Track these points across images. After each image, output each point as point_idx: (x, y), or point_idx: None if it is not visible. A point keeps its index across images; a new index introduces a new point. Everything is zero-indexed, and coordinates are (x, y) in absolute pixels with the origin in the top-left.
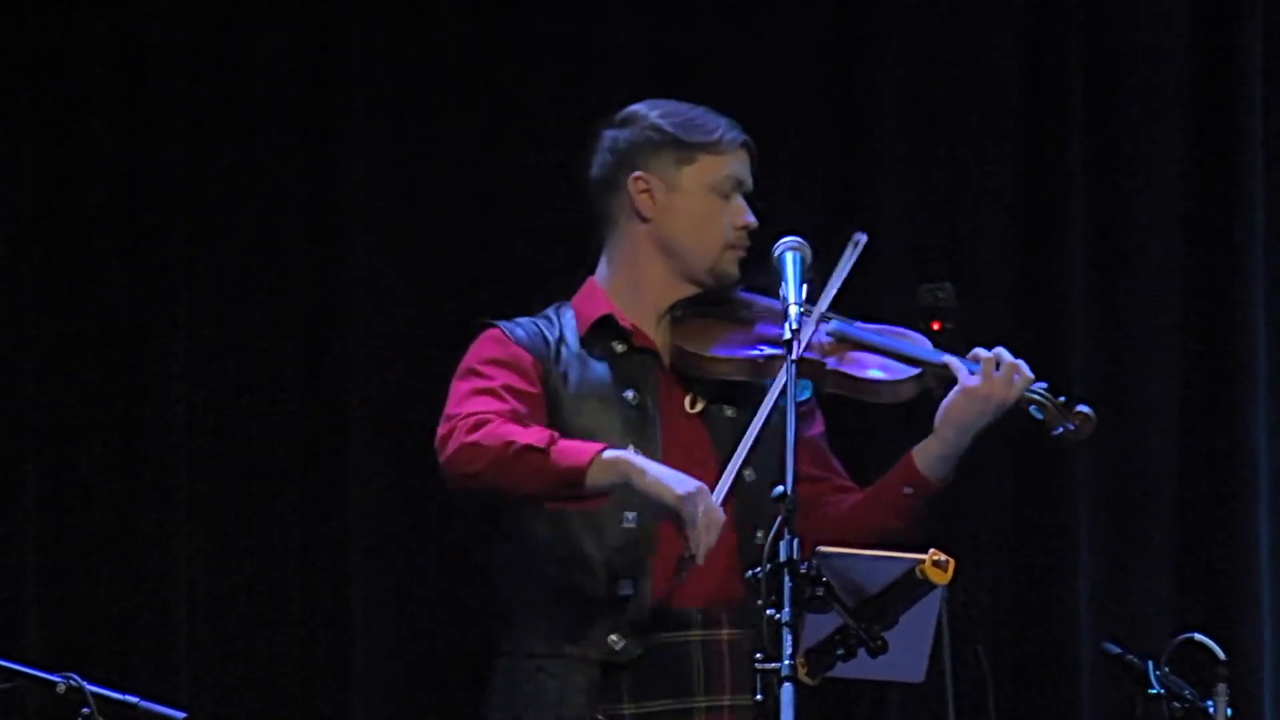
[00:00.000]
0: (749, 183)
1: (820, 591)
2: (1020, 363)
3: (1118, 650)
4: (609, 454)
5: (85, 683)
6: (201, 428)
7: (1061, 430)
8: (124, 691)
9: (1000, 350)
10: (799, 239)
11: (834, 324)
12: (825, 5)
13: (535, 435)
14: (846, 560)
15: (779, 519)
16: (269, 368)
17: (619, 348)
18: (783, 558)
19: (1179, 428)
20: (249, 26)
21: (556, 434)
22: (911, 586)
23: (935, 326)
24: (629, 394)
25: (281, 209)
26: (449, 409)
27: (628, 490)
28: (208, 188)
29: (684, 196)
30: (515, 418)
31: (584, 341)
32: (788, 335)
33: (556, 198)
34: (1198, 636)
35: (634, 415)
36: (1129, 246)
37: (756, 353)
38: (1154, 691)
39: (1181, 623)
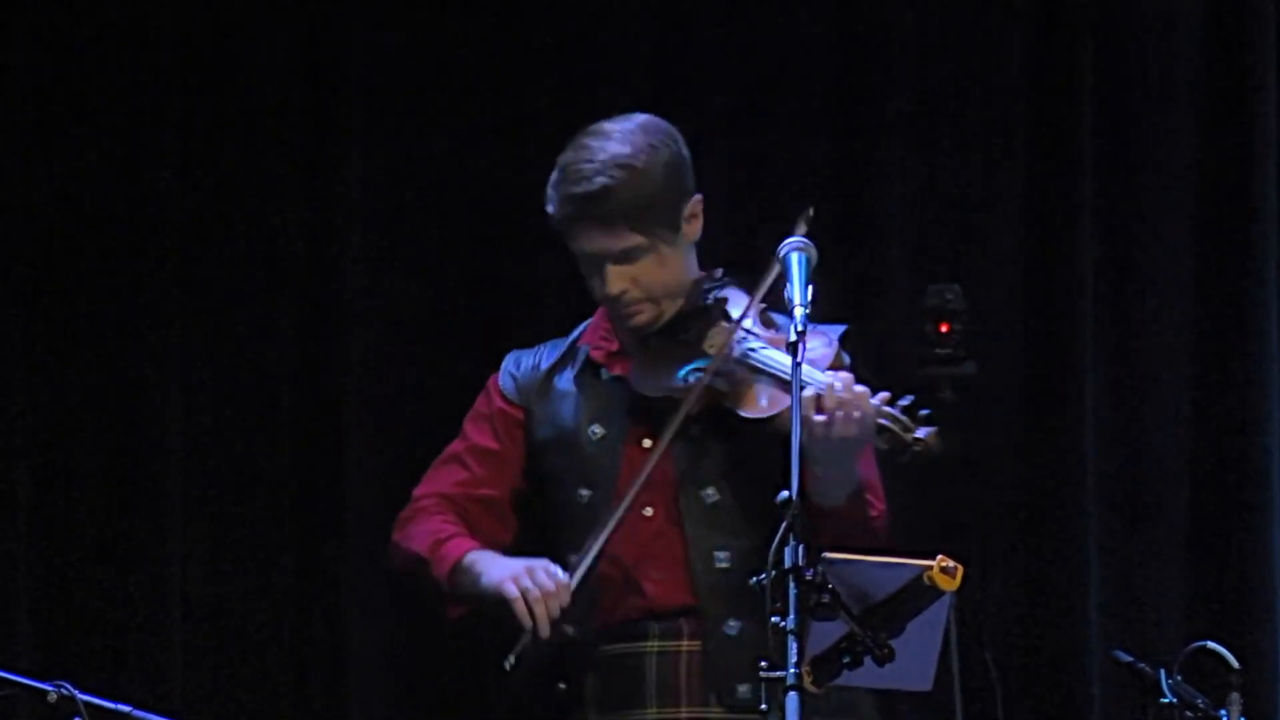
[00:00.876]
0: (601, 254)
1: (826, 598)
2: (857, 397)
3: (1129, 658)
4: (470, 557)
5: (77, 691)
6: (196, 432)
7: (910, 457)
8: (116, 700)
9: (836, 383)
10: (804, 239)
11: (743, 346)
12: (829, 3)
13: (425, 542)
14: (853, 566)
15: (784, 524)
16: (265, 371)
17: (603, 375)
18: (788, 564)
19: (1191, 432)
20: (244, 25)
21: (449, 534)
22: (919, 593)
23: (943, 329)
24: (594, 429)
25: (278, 210)
26: (425, 477)
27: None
28: (203, 188)
29: None
30: (459, 499)
31: (580, 369)
32: (793, 338)
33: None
34: (1211, 644)
35: (594, 452)
36: (1139, 248)
37: (676, 384)
38: (1166, 701)
39: (1194, 630)
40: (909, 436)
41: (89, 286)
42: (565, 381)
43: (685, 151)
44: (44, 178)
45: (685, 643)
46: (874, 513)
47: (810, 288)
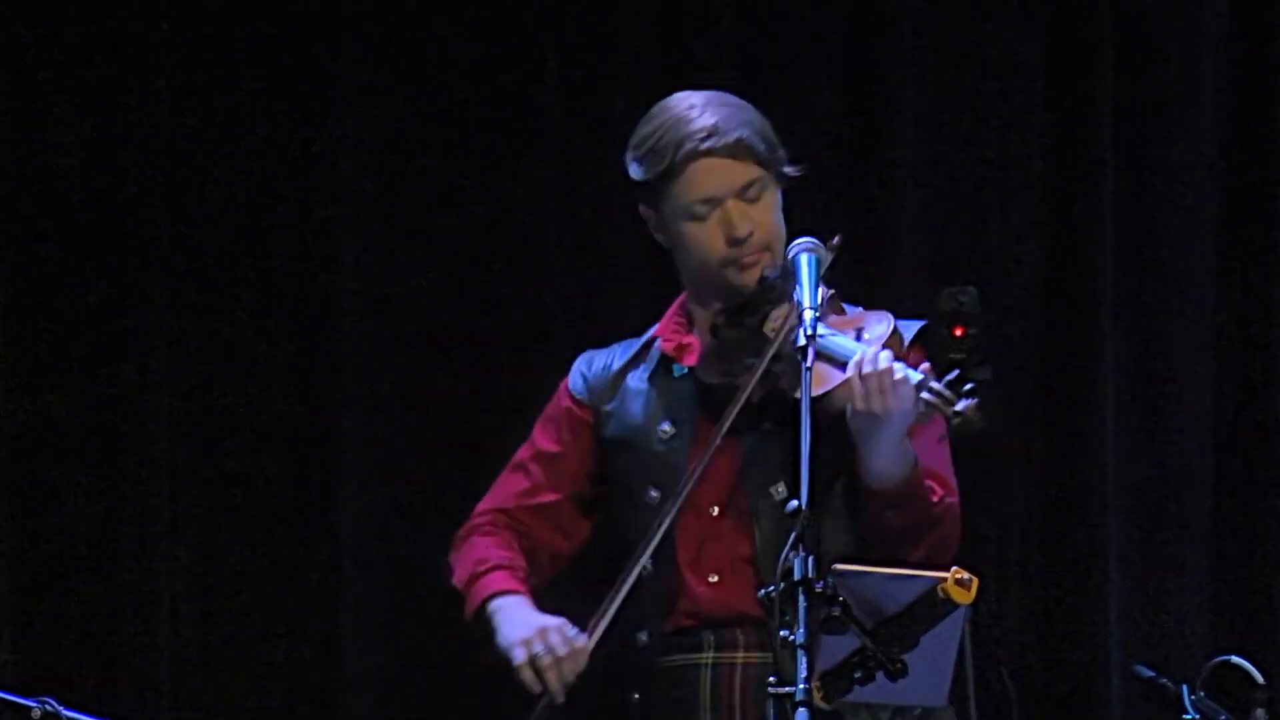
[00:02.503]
0: (727, 189)
1: (837, 611)
2: (896, 372)
3: (1150, 673)
4: (494, 604)
5: (61, 707)
6: (184, 439)
7: (949, 430)
8: (102, 716)
9: (868, 352)
10: (814, 240)
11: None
12: None
13: (465, 572)
14: (864, 578)
15: (793, 534)
16: (255, 376)
17: (675, 371)
18: (797, 575)
19: (1213, 440)
20: (235, 22)
21: (488, 566)
22: (933, 606)
23: (957, 333)
24: (664, 427)
25: (269, 211)
26: (493, 485)
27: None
28: (191, 188)
29: (671, 229)
30: (516, 512)
31: (654, 367)
32: (802, 341)
33: (553, 198)
34: (1234, 659)
35: (662, 451)
36: (1160, 249)
37: (735, 368)
38: (1188, 717)
39: (1217, 645)
40: (949, 410)
41: (72, 291)
42: (638, 380)
43: None
44: (25, 175)
45: (741, 654)
46: (934, 498)
47: (820, 290)
